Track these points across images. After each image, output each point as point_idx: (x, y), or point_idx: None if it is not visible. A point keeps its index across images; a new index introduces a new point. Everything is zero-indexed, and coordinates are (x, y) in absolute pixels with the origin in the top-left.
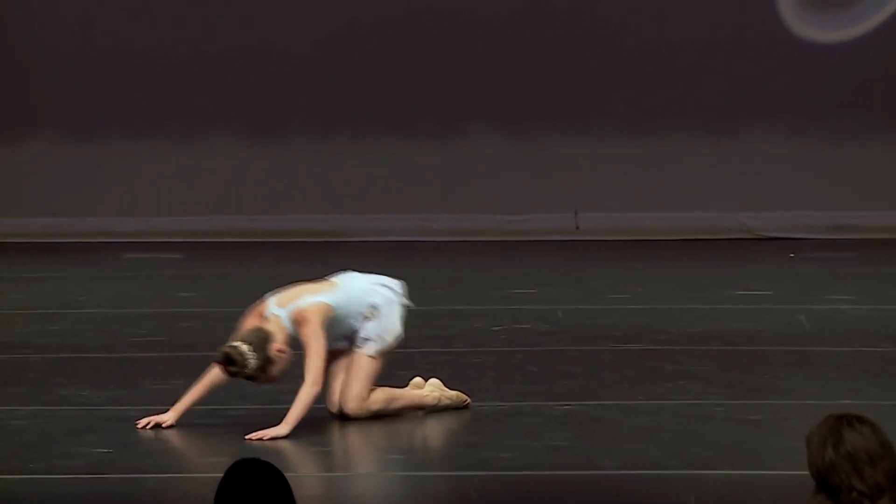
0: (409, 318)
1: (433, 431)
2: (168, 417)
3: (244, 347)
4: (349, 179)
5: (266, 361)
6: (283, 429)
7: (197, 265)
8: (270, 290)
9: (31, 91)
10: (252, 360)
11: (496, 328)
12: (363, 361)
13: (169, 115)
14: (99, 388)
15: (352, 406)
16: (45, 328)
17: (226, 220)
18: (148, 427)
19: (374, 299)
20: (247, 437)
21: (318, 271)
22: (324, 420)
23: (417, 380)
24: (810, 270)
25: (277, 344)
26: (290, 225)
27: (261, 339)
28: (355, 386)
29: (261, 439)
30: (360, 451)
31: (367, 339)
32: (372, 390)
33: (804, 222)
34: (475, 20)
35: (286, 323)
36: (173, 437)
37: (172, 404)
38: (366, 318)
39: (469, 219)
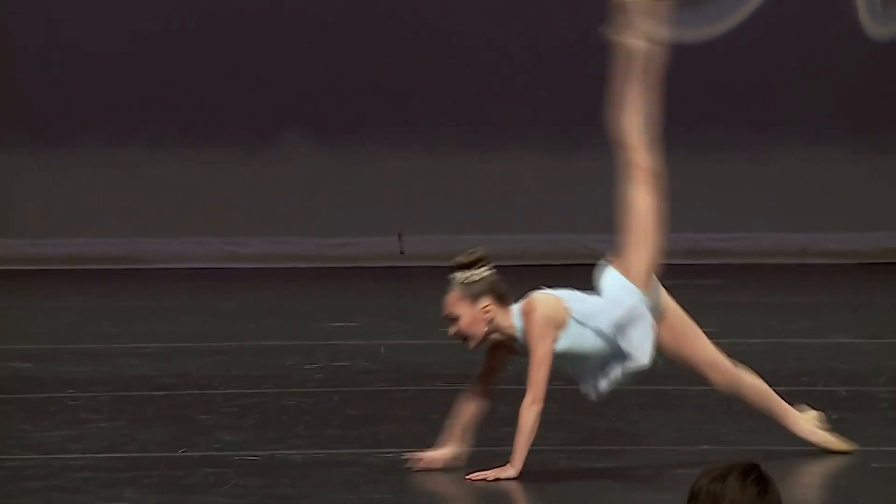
0: (215, 355)
1: (241, 482)
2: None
3: (475, 270)
4: (144, 197)
5: (471, 299)
6: (510, 470)
7: None
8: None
9: None
10: (469, 281)
11: (311, 366)
12: None
13: None
14: None
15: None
16: None
17: None
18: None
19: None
20: (467, 476)
21: (105, 304)
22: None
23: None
24: None
25: (491, 304)
26: (72, 250)
27: (482, 284)
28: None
29: (484, 480)
30: None
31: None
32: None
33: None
34: (294, 20)
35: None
36: None
37: None
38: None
39: (282, 242)
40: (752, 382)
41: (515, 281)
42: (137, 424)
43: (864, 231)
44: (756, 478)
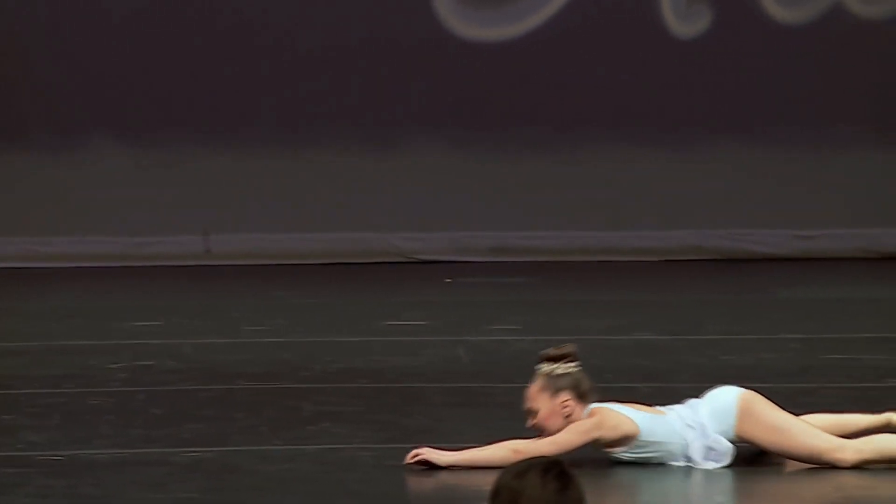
0: (17, 356)
1: (45, 482)
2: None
3: (562, 364)
4: None
5: (552, 392)
6: (443, 458)
7: None
8: None
9: None
10: (554, 374)
11: (115, 366)
12: None
13: None
14: None
15: None
16: None
17: None
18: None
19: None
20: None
21: None
22: None
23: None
24: (470, 298)
25: (571, 399)
26: None
27: (566, 379)
28: None
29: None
30: None
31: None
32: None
33: (464, 243)
34: (98, 22)
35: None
36: None
37: None
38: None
39: (86, 242)
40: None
41: (324, 281)
42: None
43: (669, 228)
44: (557, 474)
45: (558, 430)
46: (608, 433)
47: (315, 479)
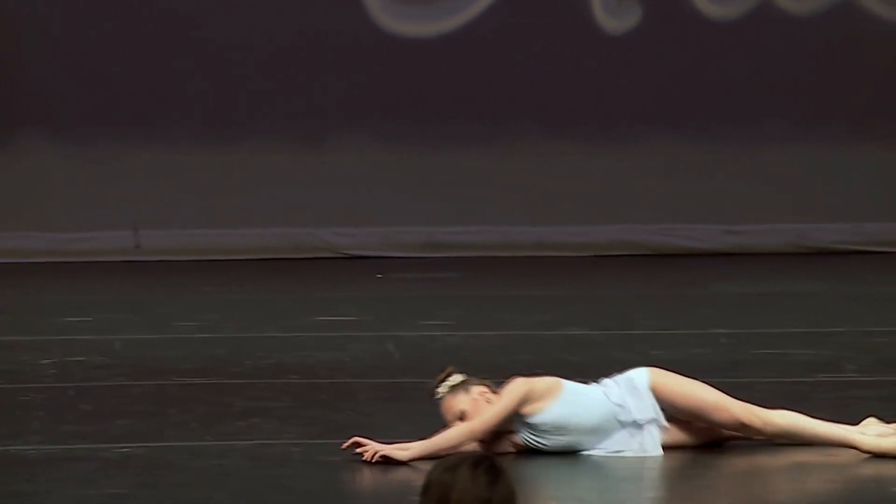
0: None
1: None
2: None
3: (454, 376)
4: None
5: (464, 391)
6: (402, 453)
7: None
8: None
9: None
10: (454, 383)
11: (45, 362)
12: None
13: None
14: None
15: None
16: None
17: None
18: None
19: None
20: (355, 439)
21: None
22: None
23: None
24: (400, 293)
25: (486, 389)
26: None
27: (468, 381)
28: None
29: (371, 451)
30: None
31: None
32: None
33: (394, 239)
34: (25, 17)
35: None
36: None
37: None
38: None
39: (13, 237)
40: None
41: (255, 276)
42: None
43: (598, 223)
44: (487, 468)
45: None
46: (538, 385)
47: (246, 475)
